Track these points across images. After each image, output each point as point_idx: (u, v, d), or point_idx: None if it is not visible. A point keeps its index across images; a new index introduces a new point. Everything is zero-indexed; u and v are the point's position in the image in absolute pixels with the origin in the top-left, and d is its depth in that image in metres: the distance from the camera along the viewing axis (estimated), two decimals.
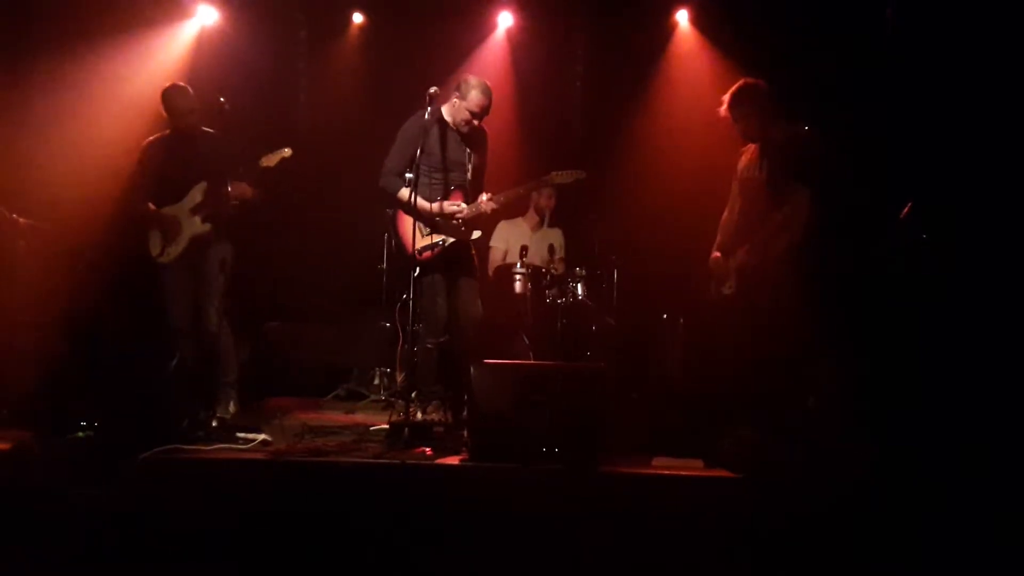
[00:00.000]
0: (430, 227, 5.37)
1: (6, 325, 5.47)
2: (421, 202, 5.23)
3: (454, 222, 5.32)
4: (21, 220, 5.76)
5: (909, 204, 5.05)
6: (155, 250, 5.57)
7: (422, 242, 5.31)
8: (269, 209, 5.81)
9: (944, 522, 3.96)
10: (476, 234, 5.43)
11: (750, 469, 4.34)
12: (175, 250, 5.52)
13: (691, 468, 4.46)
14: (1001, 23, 5.39)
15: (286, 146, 5.45)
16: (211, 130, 5.60)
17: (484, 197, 5.37)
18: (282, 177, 5.51)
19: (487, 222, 5.66)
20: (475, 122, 5.33)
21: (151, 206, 5.56)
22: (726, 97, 5.07)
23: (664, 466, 4.49)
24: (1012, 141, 5.25)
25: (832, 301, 4.98)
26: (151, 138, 5.68)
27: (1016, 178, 5.17)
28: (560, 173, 5.47)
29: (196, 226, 5.45)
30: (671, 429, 5.01)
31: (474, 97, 5.28)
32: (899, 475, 4.24)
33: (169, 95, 5.53)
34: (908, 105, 5.71)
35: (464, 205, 5.36)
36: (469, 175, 5.43)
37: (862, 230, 5.35)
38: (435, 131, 5.31)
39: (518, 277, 6.77)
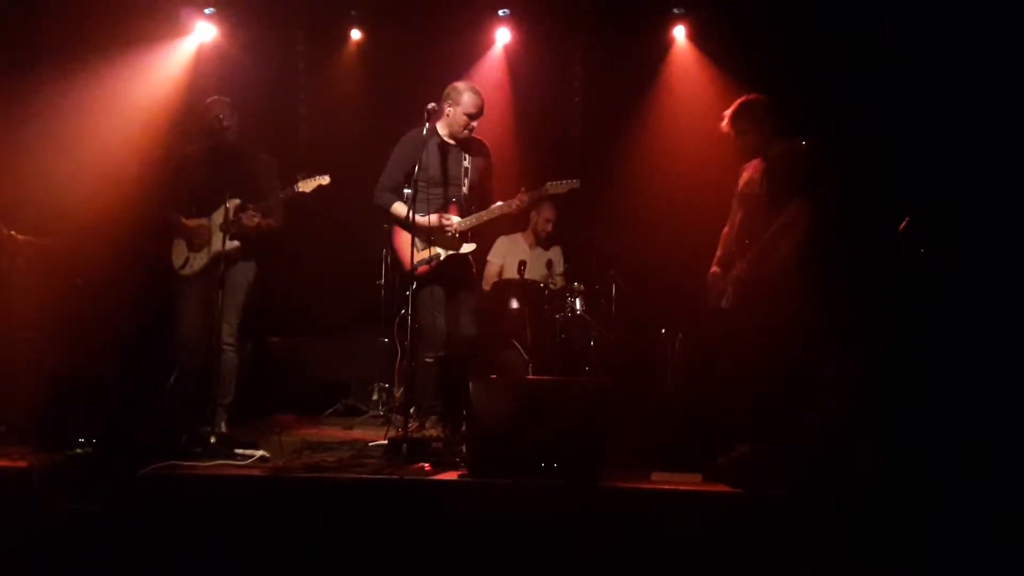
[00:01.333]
0: (426, 241, 5.38)
1: (5, 341, 5.47)
2: (417, 217, 5.25)
3: (448, 234, 5.33)
4: (20, 236, 5.77)
5: (907, 219, 5.06)
6: (178, 261, 5.57)
7: (418, 257, 5.33)
8: (284, 238, 5.83)
9: (944, 522, 3.96)
10: (470, 247, 5.41)
11: (749, 483, 4.33)
12: (198, 263, 5.52)
13: (690, 483, 4.45)
14: (998, 31, 5.42)
15: (319, 172, 5.48)
16: (251, 148, 5.65)
17: (496, 205, 5.40)
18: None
19: (481, 235, 5.66)
20: (473, 124, 5.35)
21: (182, 219, 5.58)
22: (727, 113, 5.09)
23: (663, 481, 4.48)
24: (1010, 147, 5.27)
25: (831, 311, 4.98)
26: (187, 149, 5.71)
27: (1016, 182, 5.19)
28: (555, 184, 5.49)
29: (223, 241, 5.38)
30: (670, 443, 4.99)
31: (467, 100, 5.33)
32: (900, 477, 4.25)
33: (211, 109, 5.55)
34: (905, 117, 5.73)
35: (458, 218, 5.38)
36: (466, 188, 5.45)
37: (860, 240, 5.36)
38: (432, 146, 5.34)
39: (515, 292, 6.79)
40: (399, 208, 5.38)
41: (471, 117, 5.35)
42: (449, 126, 5.38)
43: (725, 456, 4.63)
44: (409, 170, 5.33)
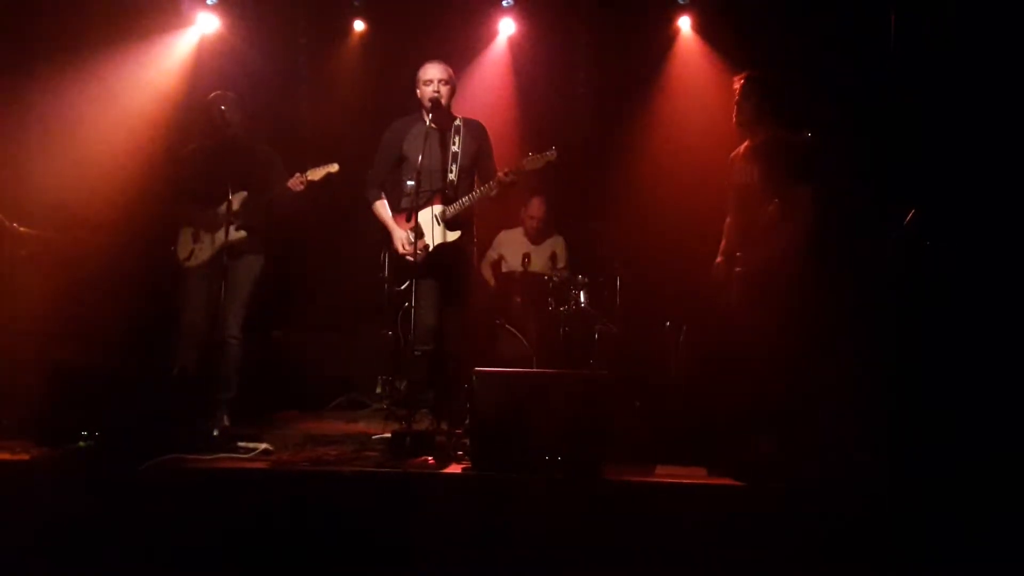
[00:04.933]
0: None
1: (7, 334, 5.46)
2: (386, 215, 5.37)
3: (424, 243, 5.25)
4: (22, 228, 5.76)
5: (912, 211, 5.03)
6: (183, 253, 5.55)
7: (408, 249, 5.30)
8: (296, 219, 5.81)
9: (945, 522, 3.95)
10: (452, 236, 5.31)
11: (754, 477, 4.32)
12: (203, 255, 5.50)
13: (694, 476, 4.44)
14: (1003, 27, 5.39)
15: (322, 159, 5.47)
16: (255, 141, 5.64)
17: (475, 191, 5.29)
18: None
19: (488, 229, 5.61)
20: (436, 88, 5.25)
21: (193, 210, 5.59)
22: (742, 76, 5.08)
23: (667, 474, 4.47)
24: (1013, 144, 5.25)
25: (836, 305, 4.96)
26: (193, 145, 5.71)
27: (1017, 180, 5.17)
28: (531, 158, 5.21)
29: (229, 233, 5.36)
30: (674, 437, 4.99)
31: (421, 73, 5.30)
32: (898, 475, 4.23)
33: (214, 103, 5.53)
34: (911, 109, 5.70)
35: (442, 207, 5.30)
36: (454, 175, 5.34)
37: (866, 234, 5.34)
38: (415, 135, 5.27)
39: (519, 284, 6.77)
40: (379, 208, 5.40)
41: (428, 83, 5.27)
42: (427, 108, 5.30)
43: (729, 449, 4.61)
44: (393, 161, 5.36)
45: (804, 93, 5.79)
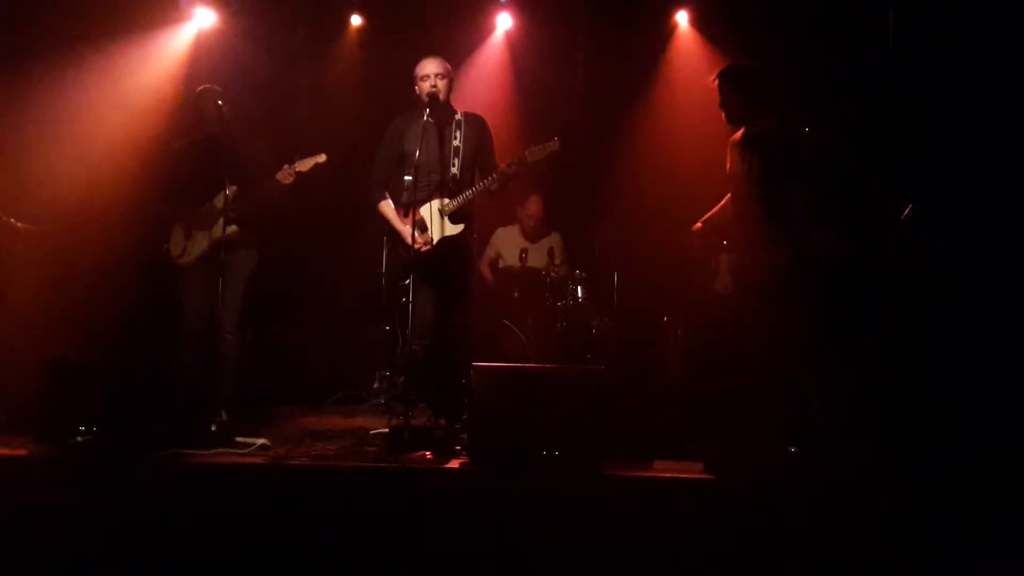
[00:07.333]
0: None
1: (5, 329, 5.45)
2: (392, 215, 5.32)
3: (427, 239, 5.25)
4: (19, 224, 5.75)
5: (910, 206, 5.03)
6: (176, 250, 5.54)
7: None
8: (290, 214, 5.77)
9: (944, 522, 3.95)
10: (456, 229, 5.28)
11: (747, 472, 4.33)
12: (196, 251, 5.48)
13: (691, 471, 4.44)
14: (1001, 24, 5.39)
15: (313, 151, 5.44)
16: (244, 134, 5.61)
17: (477, 185, 5.26)
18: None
19: (484, 226, 5.58)
20: (433, 83, 5.24)
21: (184, 208, 5.57)
22: (716, 72, 5.05)
23: (664, 469, 4.48)
24: (1012, 142, 5.25)
25: (831, 302, 4.95)
26: (182, 141, 5.69)
27: (1016, 179, 5.17)
28: (534, 150, 5.18)
29: (221, 229, 5.34)
30: (671, 432, 4.99)
31: (418, 69, 5.29)
32: (898, 475, 4.24)
33: (202, 98, 5.52)
34: (909, 106, 5.71)
35: (444, 200, 5.26)
36: (456, 169, 5.30)
37: (861, 230, 5.33)
38: (415, 131, 5.23)
39: (517, 280, 6.77)
40: (384, 208, 5.35)
41: (425, 79, 5.26)
42: (424, 102, 5.28)
43: (724, 443, 4.63)
44: (395, 159, 5.33)
45: (800, 88, 5.79)
